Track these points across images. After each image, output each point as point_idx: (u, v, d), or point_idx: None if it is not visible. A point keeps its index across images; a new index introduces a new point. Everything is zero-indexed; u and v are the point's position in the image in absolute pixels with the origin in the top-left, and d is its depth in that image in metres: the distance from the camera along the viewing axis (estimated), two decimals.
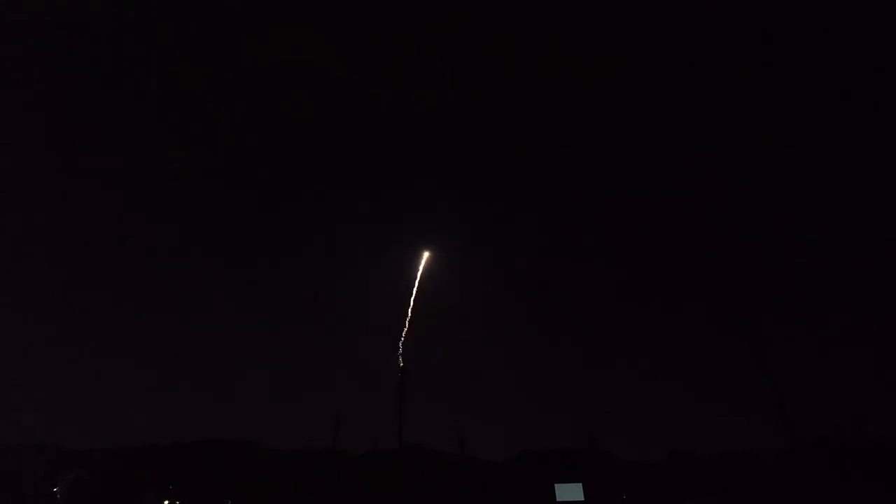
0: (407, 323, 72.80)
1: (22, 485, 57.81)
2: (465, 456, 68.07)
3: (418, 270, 75.44)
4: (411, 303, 73.64)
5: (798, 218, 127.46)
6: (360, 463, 64.22)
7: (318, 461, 62.32)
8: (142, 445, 72.06)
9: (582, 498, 52.84)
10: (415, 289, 73.94)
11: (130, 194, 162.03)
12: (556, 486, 53.86)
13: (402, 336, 73.02)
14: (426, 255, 76.16)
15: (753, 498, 50.00)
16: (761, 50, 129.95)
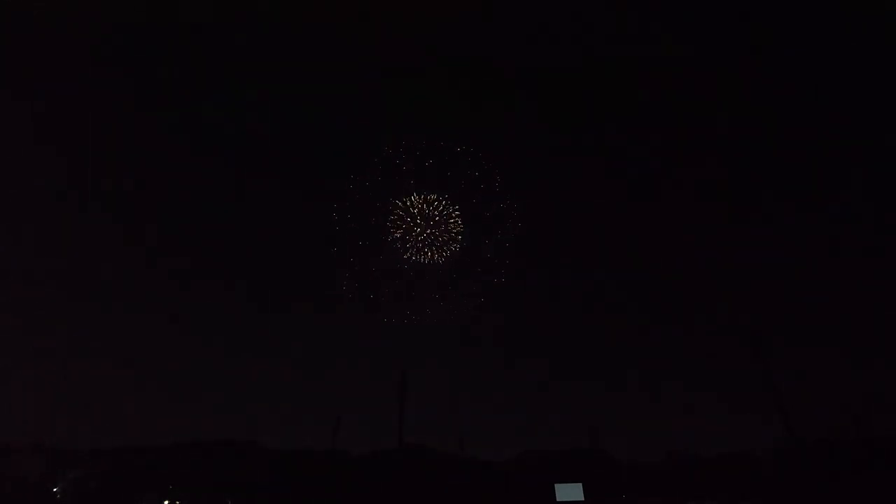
0: None
1: (22, 485, 57.87)
2: (465, 456, 68.10)
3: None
4: None
5: (799, 218, 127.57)
6: (360, 463, 64.23)
7: (318, 461, 62.35)
8: (142, 445, 72.13)
9: (582, 498, 52.96)
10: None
11: (130, 196, 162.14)
12: (556, 486, 53.98)
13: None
14: None
15: (753, 498, 50.06)
16: (762, 49, 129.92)
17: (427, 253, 73.98)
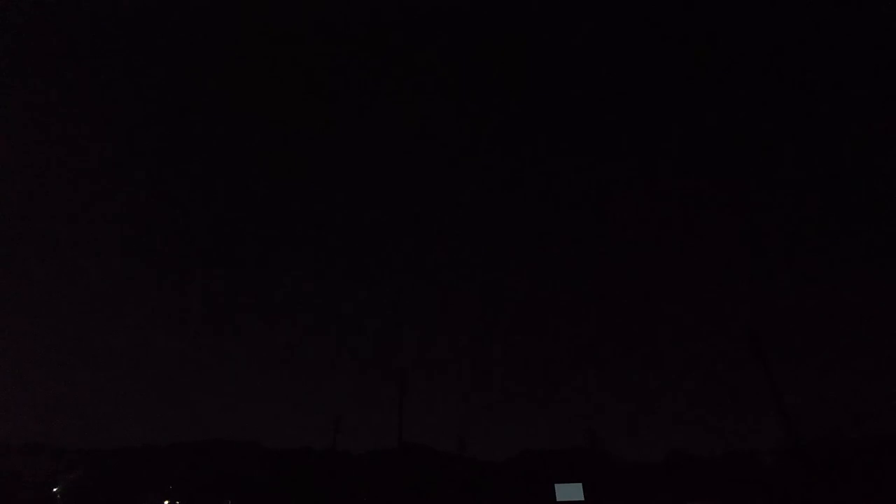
0: None
1: (22, 485, 57.89)
2: (465, 456, 68.10)
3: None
4: None
5: (798, 219, 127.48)
6: (360, 463, 64.27)
7: (318, 461, 62.39)
8: (142, 445, 72.20)
9: (582, 498, 52.95)
10: None
11: (131, 197, 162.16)
12: (556, 486, 53.97)
13: None
14: None
15: (753, 498, 50.03)
16: (762, 49, 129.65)
17: None
